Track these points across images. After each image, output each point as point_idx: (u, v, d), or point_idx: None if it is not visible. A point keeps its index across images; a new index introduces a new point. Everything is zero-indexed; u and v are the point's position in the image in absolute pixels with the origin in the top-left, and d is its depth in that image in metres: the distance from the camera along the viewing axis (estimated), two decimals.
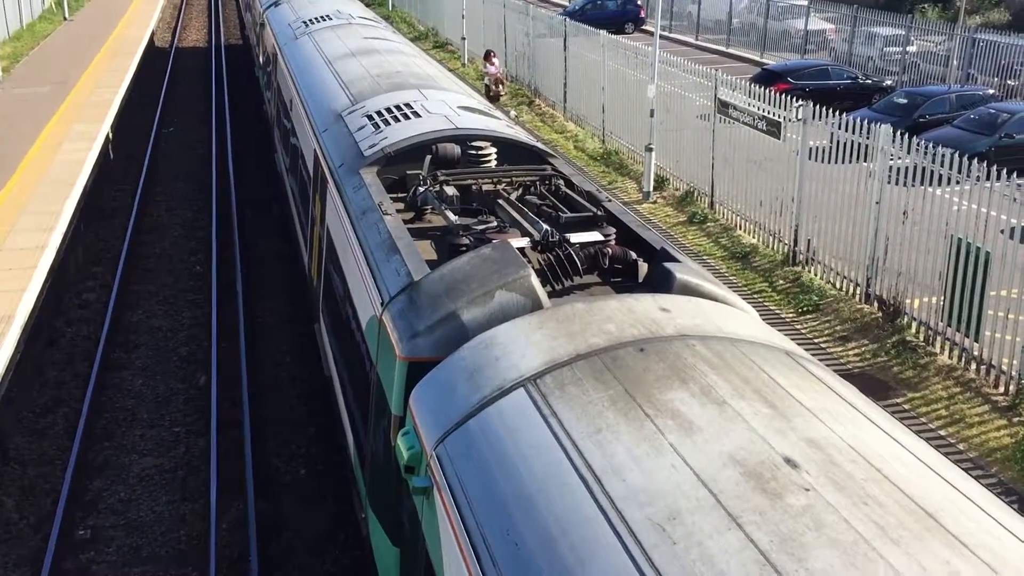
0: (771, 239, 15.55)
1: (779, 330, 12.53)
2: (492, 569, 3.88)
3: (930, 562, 3.37)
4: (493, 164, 8.76)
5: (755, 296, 14.06)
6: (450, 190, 7.92)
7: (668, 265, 6.08)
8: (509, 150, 9.04)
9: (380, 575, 6.27)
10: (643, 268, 6.54)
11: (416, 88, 10.98)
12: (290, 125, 14.28)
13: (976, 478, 9.41)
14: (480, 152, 8.71)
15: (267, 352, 12.92)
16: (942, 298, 11.81)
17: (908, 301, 12.52)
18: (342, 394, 8.29)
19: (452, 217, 7.34)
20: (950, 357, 11.71)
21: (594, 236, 6.87)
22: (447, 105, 10.11)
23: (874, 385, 11.31)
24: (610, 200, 7.98)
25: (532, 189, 8.20)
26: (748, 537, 3.49)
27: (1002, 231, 11.14)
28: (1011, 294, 11.02)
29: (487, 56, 23.34)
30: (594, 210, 7.48)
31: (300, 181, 12.63)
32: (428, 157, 8.53)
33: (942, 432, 10.40)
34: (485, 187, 8.21)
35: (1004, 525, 3.71)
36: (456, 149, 8.68)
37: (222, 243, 16.69)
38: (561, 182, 8.25)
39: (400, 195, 8.40)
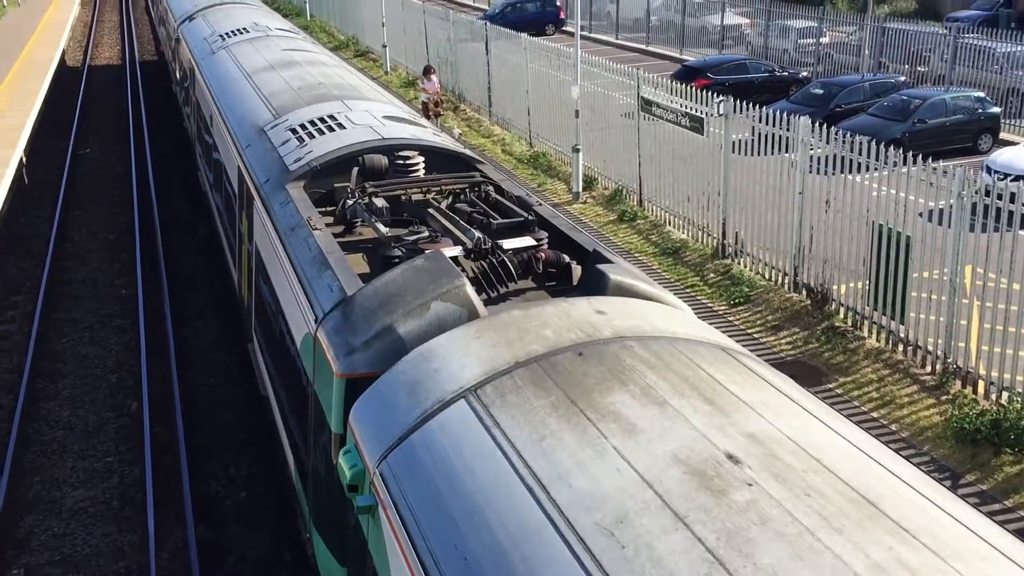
0: (700, 233, 15.76)
1: (712, 323, 12.71)
2: None
3: (874, 549, 3.41)
4: (421, 173, 8.72)
5: (687, 291, 14.23)
6: (379, 201, 7.86)
7: (601, 267, 6.10)
8: (437, 158, 9.01)
9: None
10: (577, 271, 6.57)
11: (339, 99, 10.88)
12: (212, 141, 14.03)
13: (909, 457, 9.67)
14: (408, 162, 8.65)
15: (200, 375, 12.66)
16: (867, 283, 12.10)
17: (835, 288, 12.80)
18: (280, 413, 8.16)
19: (383, 229, 7.28)
20: (878, 340, 12.00)
21: (526, 241, 6.89)
22: (371, 115, 10.04)
23: (806, 371, 11.53)
24: (540, 204, 8.01)
25: (462, 197, 8.18)
26: (695, 536, 3.51)
27: (920, 214, 11.46)
28: (932, 275, 11.34)
29: (426, 72, 22.36)
30: (525, 215, 7.50)
31: (225, 198, 12.41)
32: (355, 169, 8.45)
33: (874, 414, 10.64)
34: (415, 197, 8.16)
35: (943, 508, 3.78)
36: (383, 160, 8.62)
37: (147, 265, 16.31)
38: (491, 188, 8.24)
39: (329, 209, 8.31)
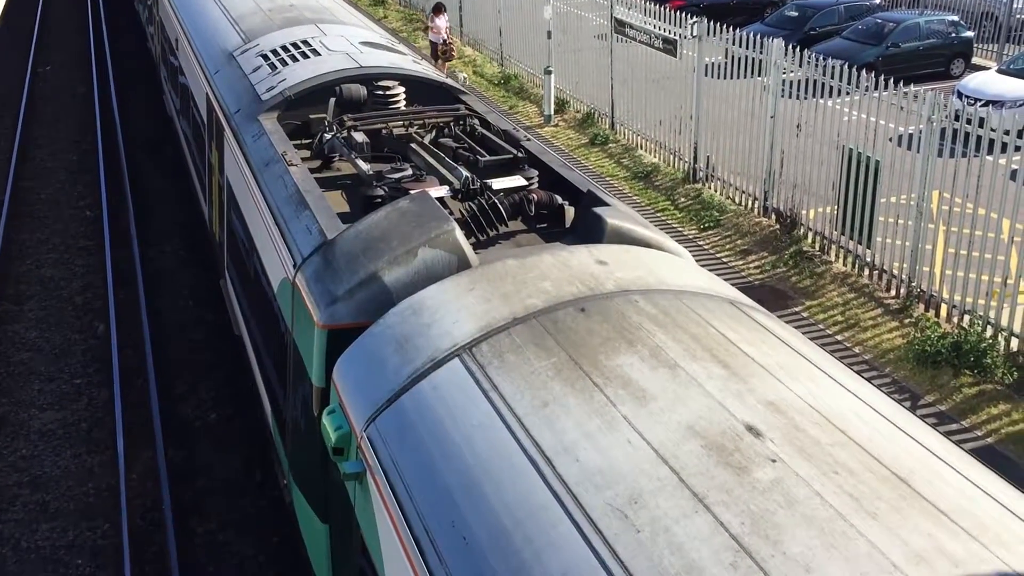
0: (672, 157, 15.71)
1: (683, 246, 12.76)
2: (439, 567, 3.56)
3: (911, 536, 3.16)
4: (402, 105, 8.35)
5: (658, 215, 14.24)
6: (359, 136, 7.49)
7: (597, 210, 5.78)
8: (418, 89, 8.64)
9: (308, 548, 6.01)
10: (570, 213, 6.27)
11: (312, 23, 10.52)
12: (178, 65, 13.65)
13: (871, 379, 9.86)
14: (388, 92, 8.26)
15: (167, 297, 12.57)
16: (836, 208, 12.16)
17: (804, 212, 12.86)
18: (255, 356, 7.93)
19: (364, 166, 6.96)
20: (844, 264, 12.12)
21: (517, 181, 6.54)
22: (348, 41, 9.71)
23: (774, 295, 11.65)
24: (529, 139, 7.71)
25: (446, 131, 7.87)
26: (717, 520, 3.23)
27: (891, 139, 11.48)
28: (900, 200, 11.41)
29: (436, 10, 20.43)
30: (514, 152, 7.17)
31: (193, 126, 12.10)
32: (332, 100, 8.10)
33: (838, 337, 10.80)
34: (396, 131, 7.80)
35: (974, 483, 3.54)
36: (362, 90, 8.25)
37: (112, 186, 16.04)
38: (476, 122, 7.95)
39: (304, 142, 8.00)
